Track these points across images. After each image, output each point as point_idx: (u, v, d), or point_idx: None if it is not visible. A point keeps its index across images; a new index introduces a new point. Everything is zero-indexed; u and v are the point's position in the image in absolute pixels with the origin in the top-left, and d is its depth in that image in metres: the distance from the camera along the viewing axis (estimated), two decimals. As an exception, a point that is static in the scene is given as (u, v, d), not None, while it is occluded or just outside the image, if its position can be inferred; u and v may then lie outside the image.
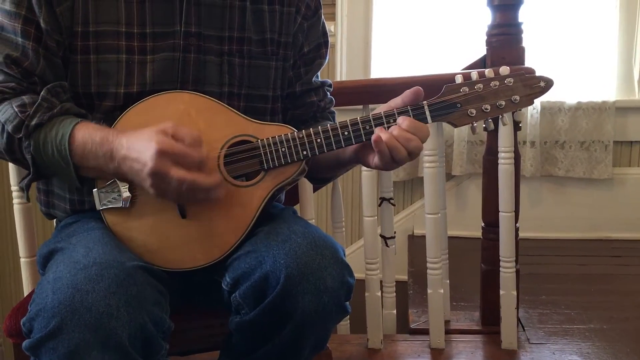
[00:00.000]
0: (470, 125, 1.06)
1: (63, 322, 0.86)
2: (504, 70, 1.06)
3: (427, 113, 1.04)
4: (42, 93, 1.04)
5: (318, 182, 1.34)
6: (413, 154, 1.02)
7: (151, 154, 0.94)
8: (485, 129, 1.08)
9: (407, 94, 1.04)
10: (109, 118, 1.08)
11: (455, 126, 1.06)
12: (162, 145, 0.94)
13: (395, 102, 1.05)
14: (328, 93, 1.32)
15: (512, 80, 1.04)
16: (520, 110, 1.06)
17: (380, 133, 1.02)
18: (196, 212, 1.06)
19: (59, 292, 0.88)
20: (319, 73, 1.30)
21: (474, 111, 1.05)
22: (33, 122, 1.01)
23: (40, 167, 1.04)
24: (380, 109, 1.07)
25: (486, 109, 1.04)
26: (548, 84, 1.05)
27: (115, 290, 0.89)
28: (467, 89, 1.04)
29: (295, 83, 1.26)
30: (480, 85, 1.04)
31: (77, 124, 1.01)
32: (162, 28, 1.11)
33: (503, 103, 1.05)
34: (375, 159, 1.05)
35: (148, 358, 0.93)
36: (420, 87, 1.04)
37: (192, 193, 0.97)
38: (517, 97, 1.05)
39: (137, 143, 0.96)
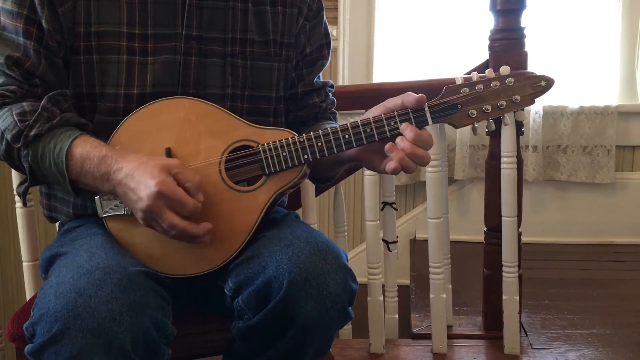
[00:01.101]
0: (472, 126, 1.06)
1: (66, 326, 0.86)
2: (505, 70, 1.05)
3: (428, 115, 1.04)
4: (42, 102, 1.03)
5: (319, 182, 1.33)
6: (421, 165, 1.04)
7: (149, 193, 0.93)
8: (487, 130, 1.08)
9: (409, 98, 1.04)
10: (109, 120, 1.08)
11: (456, 127, 1.06)
12: (162, 187, 0.93)
13: (395, 102, 1.05)
14: (330, 94, 1.32)
15: (512, 80, 1.04)
16: (522, 110, 1.05)
17: (396, 161, 1.02)
18: (199, 218, 1.05)
19: (62, 296, 0.88)
20: (320, 74, 1.30)
21: (474, 112, 1.04)
22: (32, 133, 1.01)
23: (38, 176, 1.05)
24: (378, 109, 1.06)
25: (487, 109, 1.04)
26: (549, 83, 1.05)
27: (118, 295, 0.89)
28: (468, 90, 1.04)
29: (297, 84, 1.26)
30: (481, 86, 1.04)
31: (75, 139, 1.01)
32: (164, 30, 1.11)
33: (504, 103, 1.04)
34: (383, 167, 1.05)
35: (151, 363, 0.93)
36: (424, 96, 1.04)
37: (178, 237, 0.98)
38: (518, 97, 1.04)
39: (137, 173, 0.96)
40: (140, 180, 0.95)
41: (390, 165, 1.02)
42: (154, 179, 0.94)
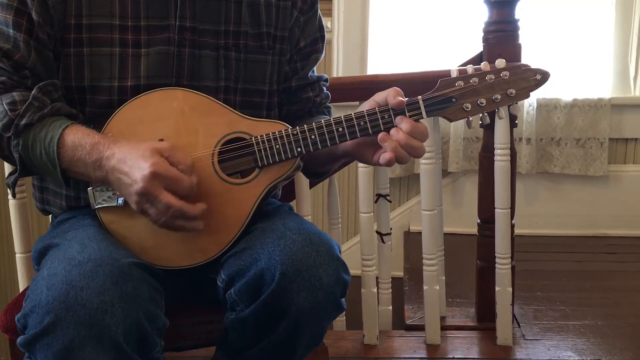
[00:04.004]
0: (466, 119, 1.05)
1: (57, 318, 0.86)
2: (500, 63, 1.05)
3: (422, 108, 1.04)
4: (33, 91, 1.03)
5: (313, 177, 1.33)
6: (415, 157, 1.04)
7: (144, 174, 0.93)
8: (481, 123, 1.08)
9: (392, 100, 1.03)
10: (103, 112, 1.07)
11: (451, 121, 1.06)
12: (156, 167, 0.93)
13: (382, 97, 1.05)
14: (324, 88, 1.32)
15: (507, 74, 1.04)
16: (517, 103, 1.05)
17: (390, 151, 1.01)
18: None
19: (54, 288, 0.88)
20: (315, 68, 1.29)
21: (469, 105, 1.04)
22: (22, 122, 1.01)
23: (28, 166, 1.04)
24: (367, 103, 1.06)
25: (482, 103, 1.04)
26: (544, 76, 1.05)
27: (110, 287, 0.89)
28: (463, 83, 1.04)
29: (291, 78, 1.25)
30: (476, 79, 1.04)
31: (66, 128, 1.00)
32: (157, 21, 1.10)
33: (499, 97, 1.04)
34: (375, 159, 1.05)
35: (143, 354, 0.93)
36: (403, 101, 1.03)
37: (173, 219, 0.97)
38: (513, 91, 1.04)
39: (130, 157, 0.96)
40: (134, 163, 0.95)
41: (385, 156, 1.02)
42: (148, 161, 0.94)
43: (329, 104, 1.34)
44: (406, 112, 1.03)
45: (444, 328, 1.98)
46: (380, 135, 1.02)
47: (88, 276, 0.89)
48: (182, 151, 1.00)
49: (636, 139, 3.08)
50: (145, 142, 0.98)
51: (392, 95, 1.03)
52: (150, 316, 0.93)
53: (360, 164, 1.84)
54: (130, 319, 0.89)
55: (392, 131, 1.02)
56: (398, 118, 1.02)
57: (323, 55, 1.29)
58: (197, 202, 0.99)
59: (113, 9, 1.08)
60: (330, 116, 1.30)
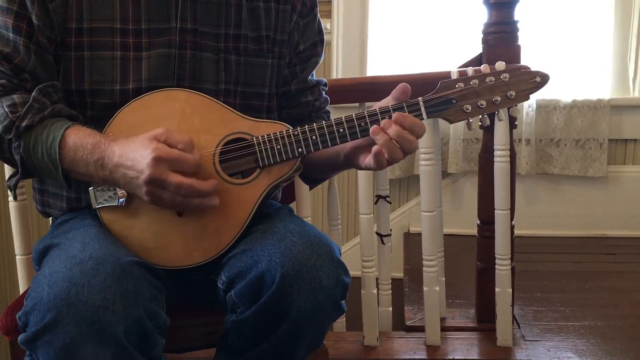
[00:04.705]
0: (466, 121, 1.06)
1: (59, 315, 0.86)
2: (500, 65, 1.05)
3: (423, 109, 1.04)
4: (33, 93, 1.03)
5: (311, 182, 1.34)
6: (407, 154, 1.03)
7: (147, 162, 0.94)
8: (480, 125, 1.08)
9: (395, 91, 1.04)
10: (105, 115, 1.07)
11: (451, 122, 1.06)
12: (158, 152, 0.94)
13: (387, 101, 1.05)
14: (323, 92, 1.32)
15: (507, 76, 1.04)
16: (516, 105, 1.05)
17: (379, 141, 1.01)
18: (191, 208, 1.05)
19: (55, 286, 0.88)
20: (314, 72, 1.30)
21: (469, 107, 1.04)
22: (23, 124, 1.01)
23: (29, 168, 1.04)
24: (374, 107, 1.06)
25: (482, 104, 1.04)
26: (544, 79, 1.05)
27: (112, 284, 0.89)
28: (463, 85, 1.04)
29: (290, 81, 1.26)
30: (476, 81, 1.04)
31: (68, 128, 1.01)
32: (158, 24, 1.11)
33: (499, 99, 1.04)
34: (366, 161, 1.05)
35: (144, 352, 0.93)
36: (406, 84, 1.04)
37: (188, 199, 0.97)
38: (513, 93, 1.04)
39: (130, 151, 0.96)
40: (135, 156, 0.95)
41: (375, 148, 1.01)
42: (148, 148, 0.94)
43: (328, 108, 1.34)
44: (406, 112, 1.03)
45: (444, 329, 1.98)
46: (373, 127, 1.02)
47: (89, 274, 0.89)
48: (180, 130, 1.00)
49: (635, 140, 3.08)
50: (141, 134, 0.98)
51: (398, 87, 1.03)
52: (151, 314, 0.93)
53: (360, 165, 1.84)
54: (131, 317, 0.89)
55: (383, 123, 1.02)
56: (399, 114, 1.02)
57: (322, 58, 1.29)
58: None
59: (114, 12, 1.08)
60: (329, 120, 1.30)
